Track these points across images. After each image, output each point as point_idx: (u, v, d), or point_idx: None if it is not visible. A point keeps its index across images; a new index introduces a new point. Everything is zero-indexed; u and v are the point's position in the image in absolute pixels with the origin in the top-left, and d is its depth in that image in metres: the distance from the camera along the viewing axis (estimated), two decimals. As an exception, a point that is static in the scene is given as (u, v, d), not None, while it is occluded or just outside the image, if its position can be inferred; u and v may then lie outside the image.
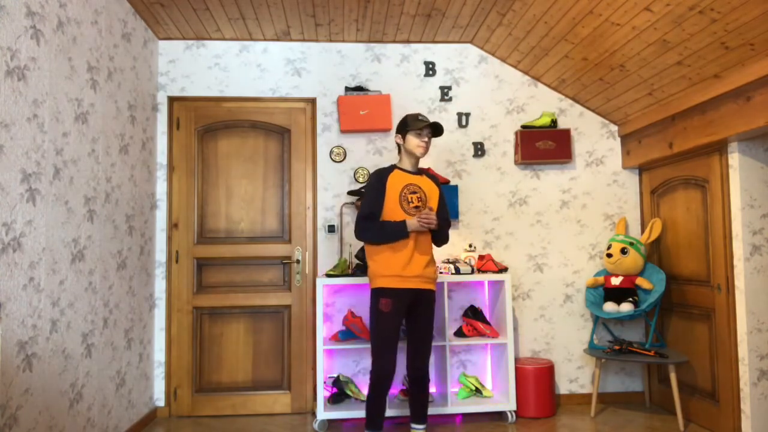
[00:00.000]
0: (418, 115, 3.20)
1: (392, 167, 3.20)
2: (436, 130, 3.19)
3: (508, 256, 4.30)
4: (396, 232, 3.06)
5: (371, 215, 3.10)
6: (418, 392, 3.18)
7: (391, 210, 3.10)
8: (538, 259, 4.31)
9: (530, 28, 3.75)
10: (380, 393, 3.05)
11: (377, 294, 3.07)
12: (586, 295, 4.16)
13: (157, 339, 4.07)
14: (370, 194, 3.13)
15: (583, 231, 4.35)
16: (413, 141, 3.15)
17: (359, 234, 3.10)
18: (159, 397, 4.06)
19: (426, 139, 3.17)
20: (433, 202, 3.22)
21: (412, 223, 3.04)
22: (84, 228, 2.92)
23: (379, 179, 3.14)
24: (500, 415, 3.95)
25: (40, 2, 2.51)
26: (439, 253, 4.25)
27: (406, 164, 3.22)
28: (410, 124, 3.16)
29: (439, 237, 3.23)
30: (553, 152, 4.20)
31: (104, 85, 3.19)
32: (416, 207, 3.13)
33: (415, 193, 3.15)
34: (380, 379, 3.02)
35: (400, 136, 3.21)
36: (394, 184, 3.13)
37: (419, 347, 3.12)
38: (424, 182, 3.23)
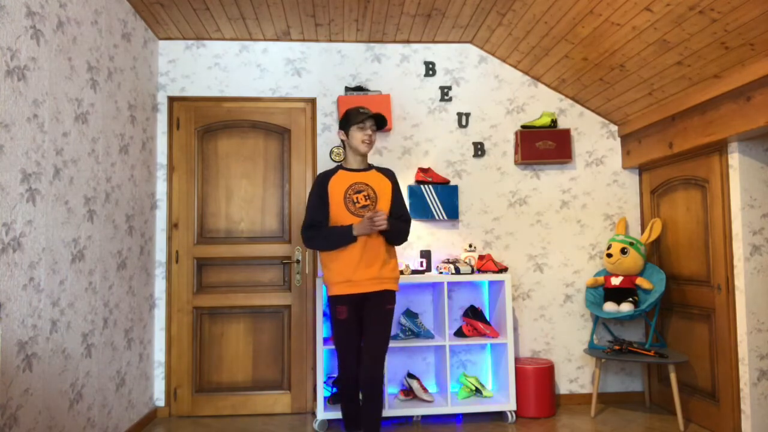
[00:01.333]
0: (359, 108, 3.03)
1: (336, 168, 3.06)
2: (379, 122, 3.03)
3: (508, 256, 4.30)
4: (341, 238, 2.91)
5: (313, 224, 2.98)
6: (366, 402, 2.89)
7: (337, 214, 2.96)
8: (538, 259, 4.31)
9: (530, 28, 3.75)
10: (351, 398, 3.01)
11: (333, 302, 2.99)
12: (586, 295, 4.16)
13: (157, 339, 4.07)
14: (311, 201, 3.01)
15: (583, 231, 4.35)
16: (357, 136, 2.99)
17: (305, 243, 2.99)
18: (159, 397, 4.06)
19: (369, 132, 3.00)
20: (385, 198, 3.03)
21: (358, 226, 2.88)
22: (84, 228, 2.92)
23: (320, 184, 3.00)
24: (500, 415, 3.95)
25: (40, 2, 2.51)
26: (439, 252, 4.25)
27: (352, 162, 3.06)
28: (352, 118, 2.99)
29: (393, 237, 3.01)
30: (553, 152, 4.20)
31: (104, 85, 3.20)
32: (364, 206, 2.96)
33: (360, 192, 2.98)
34: (348, 386, 2.98)
35: (343, 132, 3.04)
36: (337, 187, 2.99)
37: (368, 348, 2.92)
38: (373, 178, 3.04)
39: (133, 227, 3.64)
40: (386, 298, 2.98)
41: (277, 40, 4.26)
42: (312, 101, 4.29)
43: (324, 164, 4.24)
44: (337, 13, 3.80)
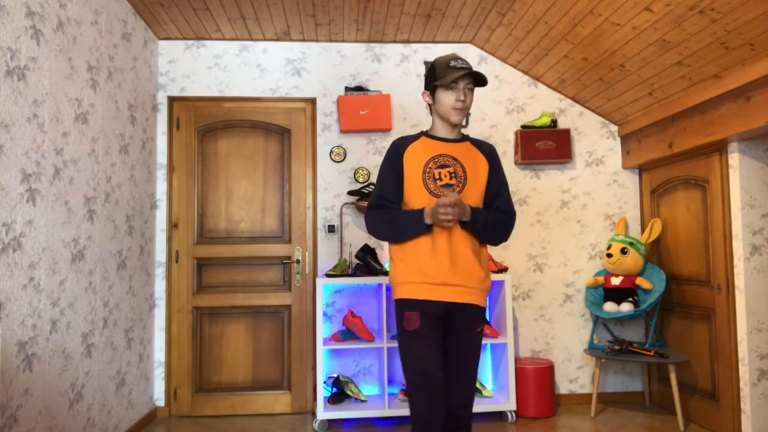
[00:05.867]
0: (450, 60, 2.21)
1: (419, 134, 2.32)
2: (478, 80, 2.23)
3: (508, 256, 4.30)
4: (411, 225, 2.18)
5: (381, 202, 2.26)
6: None
7: (413, 193, 2.22)
8: (538, 259, 4.31)
9: (530, 28, 3.75)
10: None
11: (400, 307, 2.22)
12: (586, 295, 4.16)
13: (157, 339, 4.07)
14: (381, 174, 2.29)
15: (583, 231, 4.35)
16: (446, 100, 2.21)
17: (369, 230, 2.29)
18: (159, 397, 4.06)
19: (462, 97, 2.19)
20: (478, 180, 2.25)
21: (432, 211, 2.13)
22: (84, 228, 2.92)
23: (393, 152, 2.27)
24: (500, 415, 3.95)
25: (40, 2, 2.51)
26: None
27: (439, 129, 2.30)
28: (440, 75, 2.20)
29: (483, 235, 2.22)
30: (553, 152, 4.20)
31: (104, 85, 3.20)
32: (447, 185, 2.21)
33: (445, 166, 2.22)
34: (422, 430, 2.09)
35: (428, 93, 2.29)
36: (416, 157, 2.24)
37: (454, 381, 2.19)
38: (466, 152, 2.27)
39: (133, 227, 3.64)
40: (474, 316, 2.21)
41: (277, 40, 4.26)
42: (312, 101, 4.29)
43: (324, 164, 4.23)
44: (337, 13, 3.80)
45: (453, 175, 2.21)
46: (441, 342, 2.20)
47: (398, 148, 2.28)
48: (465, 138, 2.32)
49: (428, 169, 2.22)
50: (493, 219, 2.22)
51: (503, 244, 4.27)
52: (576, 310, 4.30)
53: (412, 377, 2.13)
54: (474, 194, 2.23)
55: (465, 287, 2.18)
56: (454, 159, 2.24)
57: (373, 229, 2.27)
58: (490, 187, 2.28)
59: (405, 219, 2.19)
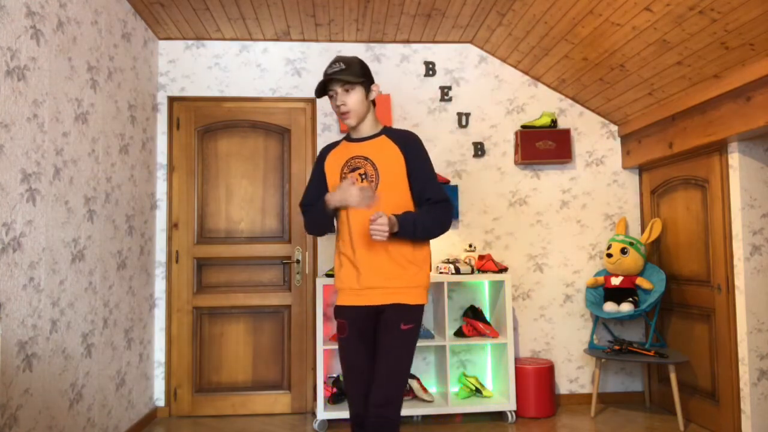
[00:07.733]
0: (327, 68, 2.19)
1: (342, 139, 2.35)
2: (347, 74, 2.13)
3: (508, 256, 4.30)
4: (317, 213, 2.22)
5: (302, 209, 2.36)
6: None
7: None
8: (538, 259, 4.31)
9: (530, 28, 3.75)
10: None
11: (334, 314, 2.29)
12: (586, 295, 4.16)
13: (157, 339, 4.07)
14: (308, 181, 2.39)
15: (583, 231, 4.35)
16: (332, 108, 2.26)
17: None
18: (159, 397, 4.06)
19: (339, 102, 2.17)
20: (392, 174, 2.18)
21: (331, 194, 2.16)
22: (84, 228, 2.92)
23: (318, 159, 2.34)
24: (500, 415, 3.95)
25: (40, 2, 2.51)
26: (439, 252, 4.24)
27: (353, 130, 2.27)
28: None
29: (419, 238, 2.14)
30: (553, 152, 4.20)
31: (104, 85, 3.20)
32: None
33: (356, 169, 2.20)
34: (354, 428, 2.20)
35: None
36: (334, 164, 2.27)
37: (373, 380, 2.13)
38: (379, 147, 2.20)
39: (133, 227, 3.64)
40: (397, 314, 2.14)
41: (277, 40, 4.26)
42: (312, 101, 4.29)
43: (324, 164, 4.23)
44: (337, 13, 3.80)
45: (363, 176, 2.18)
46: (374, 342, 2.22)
47: (322, 155, 2.34)
48: (382, 132, 2.25)
49: (343, 174, 2.22)
50: (425, 220, 2.13)
51: (501, 243, 4.27)
52: (576, 310, 4.30)
53: (344, 380, 2.22)
54: (392, 191, 2.17)
55: (384, 288, 2.16)
56: (365, 158, 2.19)
57: (305, 226, 2.35)
58: (413, 179, 2.18)
59: (313, 209, 2.26)
